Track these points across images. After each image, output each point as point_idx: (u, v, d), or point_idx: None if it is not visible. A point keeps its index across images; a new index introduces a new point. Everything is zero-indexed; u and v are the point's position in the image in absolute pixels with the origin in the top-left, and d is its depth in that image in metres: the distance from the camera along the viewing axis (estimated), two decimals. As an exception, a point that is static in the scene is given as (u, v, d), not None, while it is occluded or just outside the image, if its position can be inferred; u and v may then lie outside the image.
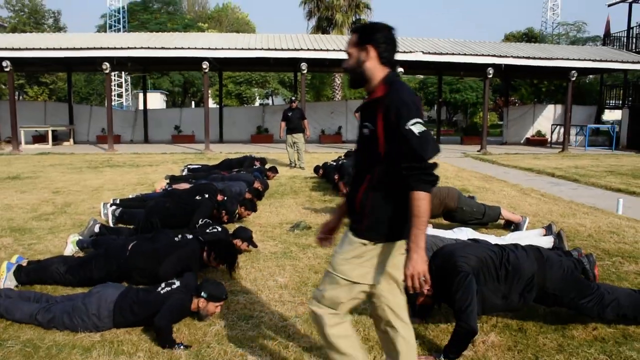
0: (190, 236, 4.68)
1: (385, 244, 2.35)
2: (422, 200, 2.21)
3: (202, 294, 3.51)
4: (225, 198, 6.84)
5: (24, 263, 4.28)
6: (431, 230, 4.88)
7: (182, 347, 3.21)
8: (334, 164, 10.21)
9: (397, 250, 2.40)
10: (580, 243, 5.70)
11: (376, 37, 2.33)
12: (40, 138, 19.88)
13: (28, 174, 11.44)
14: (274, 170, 10.79)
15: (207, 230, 5.33)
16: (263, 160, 11.62)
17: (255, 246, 5.40)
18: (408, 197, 2.23)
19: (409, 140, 2.20)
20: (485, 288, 3.27)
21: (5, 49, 16.39)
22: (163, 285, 3.63)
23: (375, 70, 2.34)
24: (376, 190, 2.31)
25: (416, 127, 2.20)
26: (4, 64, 16.40)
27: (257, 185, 8.44)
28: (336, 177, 8.85)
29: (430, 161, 2.23)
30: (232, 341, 3.33)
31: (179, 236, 4.64)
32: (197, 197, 6.31)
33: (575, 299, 3.41)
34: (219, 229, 5.42)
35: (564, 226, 6.53)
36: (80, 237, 5.16)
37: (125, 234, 5.50)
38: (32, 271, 4.15)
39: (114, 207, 6.61)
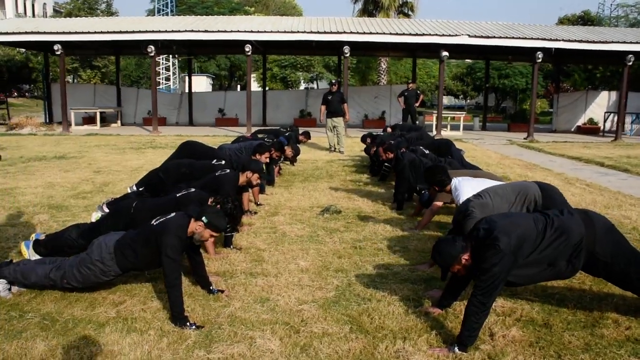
0: (193, 189, 4.63)
1: None
2: None
3: (203, 218, 3.50)
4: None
5: (42, 237, 4.39)
6: (491, 184, 4.67)
7: (194, 327, 3.21)
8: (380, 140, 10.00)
9: None
10: (623, 236, 5.39)
11: None
12: (89, 119, 20.47)
13: (74, 154, 11.80)
14: (306, 134, 10.65)
15: (217, 174, 5.32)
16: (303, 132, 11.38)
17: (265, 178, 5.78)
18: None
19: None
20: (529, 259, 3.11)
21: (57, 32, 16.86)
22: (158, 217, 3.66)
23: None
24: None
25: None
26: (55, 47, 16.90)
27: (287, 151, 8.40)
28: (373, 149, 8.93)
29: None
30: (244, 323, 3.30)
31: (183, 191, 4.57)
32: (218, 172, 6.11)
33: (627, 270, 3.22)
34: (228, 171, 5.42)
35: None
36: (103, 213, 5.27)
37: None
38: (48, 242, 4.27)
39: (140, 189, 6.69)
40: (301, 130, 11.48)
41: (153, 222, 3.60)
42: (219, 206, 4.27)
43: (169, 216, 3.59)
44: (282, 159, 8.67)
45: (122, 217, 4.36)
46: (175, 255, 3.36)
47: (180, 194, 4.48)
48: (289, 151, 8.54)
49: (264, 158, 6.78)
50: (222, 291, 3.80)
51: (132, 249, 3.50)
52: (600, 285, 3.98)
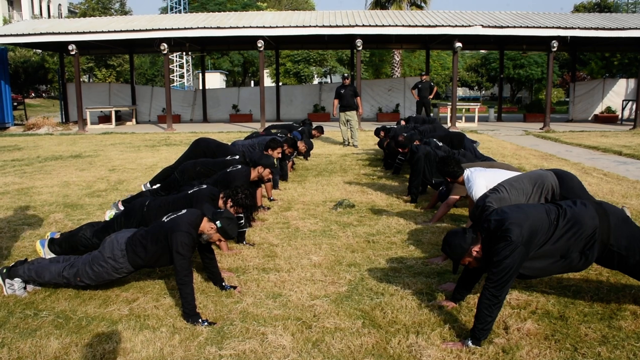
0: (205, 186, 4.63)
1: None
2: None
3: (217, 222, 3.52)
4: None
5: (57, 236, 4.43)
6: (504, 174, 4.62)
7: (206, 323, 3.21)
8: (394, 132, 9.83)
9: None
10: (642, 226, 5.28)
11: None
12: (105, 118, 20.65)
13: (89, 153, 11.91)
14: (319, 129, 10.62)
15: (228, 170, 5.34)
16: (316, 127, 11.32)
17: (279, 173, 6.31)
18: None
19: None
20: (541, 251, 3.05)
21: (70, 33, 17.00)
22: (170, 213, 3.69)
23: None
24: None
25: None
26: (69, 47, 17.03)
27: (300, 146, 8.40)
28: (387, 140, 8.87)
29: None
30: (255, 319, 3.29)
31: (195, 188, 4.58)
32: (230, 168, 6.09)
33: None
34: (239, 167, 5.45)
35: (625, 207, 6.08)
36: (117, 212, 5.32)
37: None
38: (63, 241, 4.30)
39: (154, 186, 6.74)
40: (314, 125, 11.48)
41: (164, 218, 3.61)
42: (230, 201, 4.26)
43: (180, 213, 3.60)
44: (295, 154, 8.65)
45: (135, 215, 4.38)
46: (186, 252, 3.36)
47: (192, 191, 4.48)
48: (302, 146, 8.53)
49: (276, 153, 6.77)
50: (235, 287, 3.80)
51: (143, 246, 3.51)
52: (617, 277, 3.90)
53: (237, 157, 6.27)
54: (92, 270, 3.53)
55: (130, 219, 4.36)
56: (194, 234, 3.47)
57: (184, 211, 3.63)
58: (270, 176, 5.61)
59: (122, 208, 5.53)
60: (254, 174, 5.40)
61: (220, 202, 4.34)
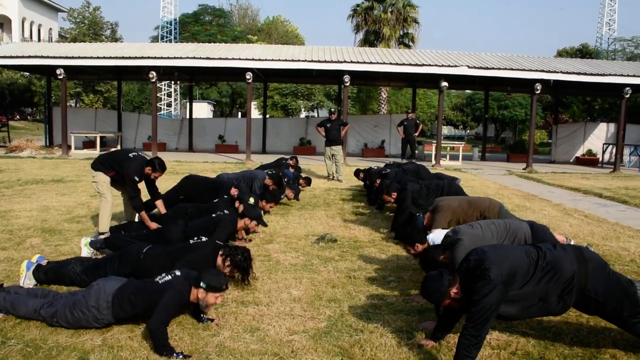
0: (205, 238, 4.58)
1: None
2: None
3: (201, 284, 3.45)
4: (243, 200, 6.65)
5: (44, 263, 4.32)
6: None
7: (180, 356, 3.13)
8: (378, 169, 9.74)
9: None
10: (621, 269, 5.33)
11: None
12: (90, 144, 20.52)
13: (71, 178, 11.77)
14: (307, 181, 10.57)
15: (214, 215, 5.39)
16: (299, 169, 11.39)
17: (265, 225, 6.09)
18: None
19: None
20: (520, 292, 3.05)
21: (59, 57, 17.02)
22: (163, 274, 3.60)
23: None
24: None
25: None
26: (57, 71, 17.03)
27: (289, 194, 8.42)
28: (377, 182, 8.52)
29: None
30: (232, 354, 3.22)
31: (195, 238, 4.53)
32: (216, 213, 5.88)
33: (619, 309, 3.14)
34: (226, 212, 5.51)
35: (605, 249, 6.15)
36: (92, 239, 5.25)
37: (135, 227, 5.77)
38: (50, 270, 4.19)
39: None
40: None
41: (158, 279, 3.54)
42: (228, 259, 4.21)
43: (174, 274, 3.55)
44: (282, 197, 8.64)
45: (130, 260, 4.26)
46: (170, 317, 3.38)
47: (193, 242, 4.43)
48: (290, 194, 8.56)
49: (268, 207, 6.96)
50: (212, 320, 3.72)
51: (131, 302, 3.43)
52: (597, 319, 3.89)
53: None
54: (71, 315, 3.43)
55: (123, 263, 4.24)
56: (185, 297, 3.45)
57: (177, 273, 3.57)
58: (257, 229, 5.62)
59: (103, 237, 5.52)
60: (240, 224, 5.41)
61: (219, 260, 4.27)
